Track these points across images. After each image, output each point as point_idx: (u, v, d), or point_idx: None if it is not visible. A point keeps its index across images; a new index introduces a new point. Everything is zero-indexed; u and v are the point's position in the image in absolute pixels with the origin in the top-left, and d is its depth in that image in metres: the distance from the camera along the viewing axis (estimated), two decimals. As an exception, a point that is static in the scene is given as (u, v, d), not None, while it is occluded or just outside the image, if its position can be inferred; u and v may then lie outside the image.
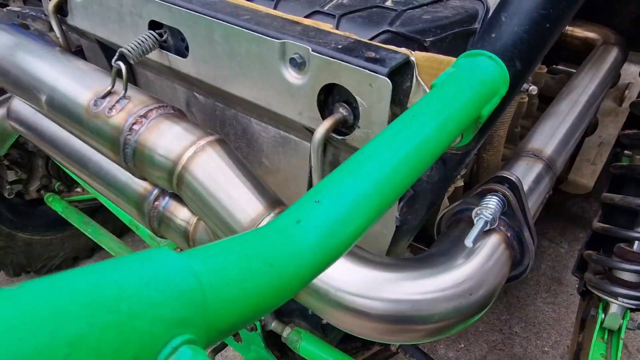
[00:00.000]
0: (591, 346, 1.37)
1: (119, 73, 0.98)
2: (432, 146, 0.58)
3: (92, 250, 2.66)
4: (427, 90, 0.78)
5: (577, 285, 1.53)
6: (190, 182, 0.88)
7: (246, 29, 0.86)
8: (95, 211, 2.39)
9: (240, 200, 0.87)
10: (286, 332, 1.34)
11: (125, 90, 0.97)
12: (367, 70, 0.73)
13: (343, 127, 0.83)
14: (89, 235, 2.12)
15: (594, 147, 1.87)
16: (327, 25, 0.88)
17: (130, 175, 1.10)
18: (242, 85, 0.95)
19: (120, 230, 2.62)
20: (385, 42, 0.97)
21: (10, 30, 1.22)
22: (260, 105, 0.94)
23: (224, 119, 1.18)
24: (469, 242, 0.78)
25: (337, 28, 1.01)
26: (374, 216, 0.50)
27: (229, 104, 1.14)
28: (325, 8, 1.06)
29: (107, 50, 1.31)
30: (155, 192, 1.08)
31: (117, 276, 0.27)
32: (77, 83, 1.03)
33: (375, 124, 0.77)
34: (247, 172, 0.91)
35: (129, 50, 0.98)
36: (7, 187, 2.19)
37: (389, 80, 0.71)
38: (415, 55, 0.78)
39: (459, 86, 0.64)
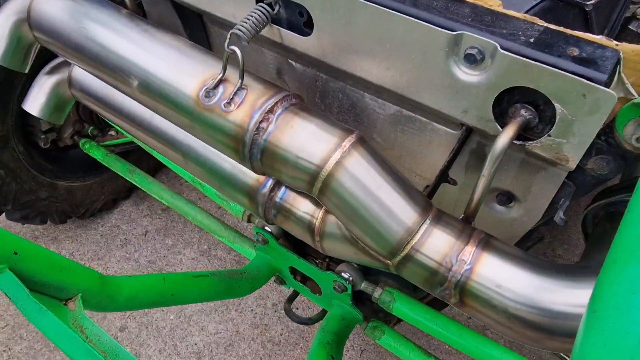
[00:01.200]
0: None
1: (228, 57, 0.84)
2: None
3: (129, 191, 2.61)
4: (630, 89, 0.67)
5: None
6: (338, 190, 0.80)
7: (404, 13, 0.72)
8: (130, 152, 2.30)
9: (394, 208, 0.79)
10: (377, 293, 1.33)
11: (242, 79, 0.84)
12: (581, 79, 0.62)
13: (522, 131, 0.73)
14: (136, 184, 2.04)
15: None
16: (494, 2, 0.73)
17: (235, 163, 1.00)
18: (385, 73, 0.81)
19: (154, 169, 2.57)
20: (545, 10, 0.83)
21: (68, -8, 1.03)
22: (405, 95, 0.82)
23: (326, 90, 1.06)
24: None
25: (483, -8, 0.86)
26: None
27: (338, 76, 1.00)
28: (462, -37, 0.89)
29: (180, 9, 1.13)
30: (270, 183, 0.99)
31: None
32: (177, 67, 0.89)
33: (576, 136, 0.66)
34: (393, 173, 0.82)
35: (242, 31, 0.83)
36: (42, 136, 2.07)
37: (615, 95, 0.60)
38: (622, 48, 0.66)
39: None
